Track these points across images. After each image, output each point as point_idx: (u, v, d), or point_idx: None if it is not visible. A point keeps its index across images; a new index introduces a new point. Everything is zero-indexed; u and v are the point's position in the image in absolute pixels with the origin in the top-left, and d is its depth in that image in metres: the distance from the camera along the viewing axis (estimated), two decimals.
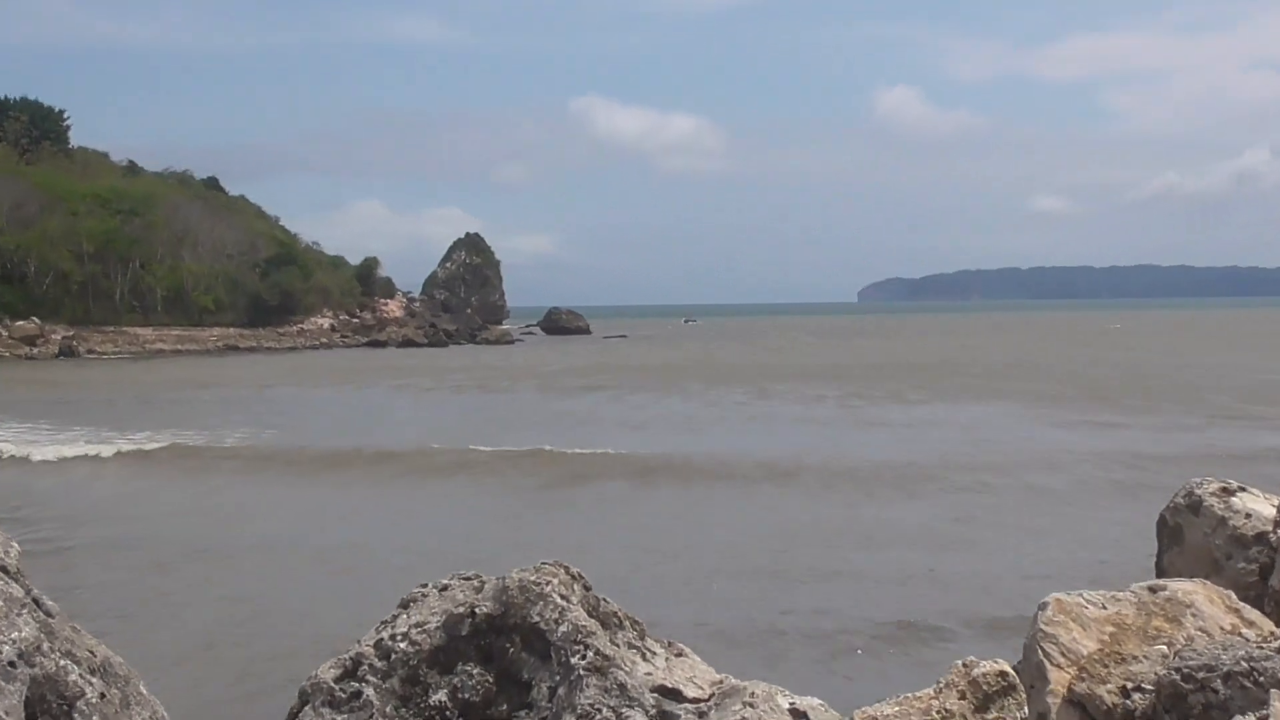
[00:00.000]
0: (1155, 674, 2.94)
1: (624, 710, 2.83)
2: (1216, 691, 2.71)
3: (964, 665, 2.94)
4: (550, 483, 17.45)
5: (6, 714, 2.17)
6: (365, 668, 3.11)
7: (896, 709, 2.87)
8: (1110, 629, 3.03)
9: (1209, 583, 3.30)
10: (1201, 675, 2.75)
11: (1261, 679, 2.68)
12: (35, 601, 2.52)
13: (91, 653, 2.56)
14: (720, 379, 40.63)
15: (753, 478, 17.93)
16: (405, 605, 3.26)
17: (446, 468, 19.10)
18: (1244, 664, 2.71)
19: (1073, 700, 2.93)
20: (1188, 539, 3.99)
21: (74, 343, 61.04)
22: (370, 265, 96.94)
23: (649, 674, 2.94)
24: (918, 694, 2.90)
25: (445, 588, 3.28)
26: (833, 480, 17.75)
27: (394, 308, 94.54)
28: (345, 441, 22.75)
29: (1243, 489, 4.04)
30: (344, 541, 13.50)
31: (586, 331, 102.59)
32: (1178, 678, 2.79)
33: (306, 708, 3.11)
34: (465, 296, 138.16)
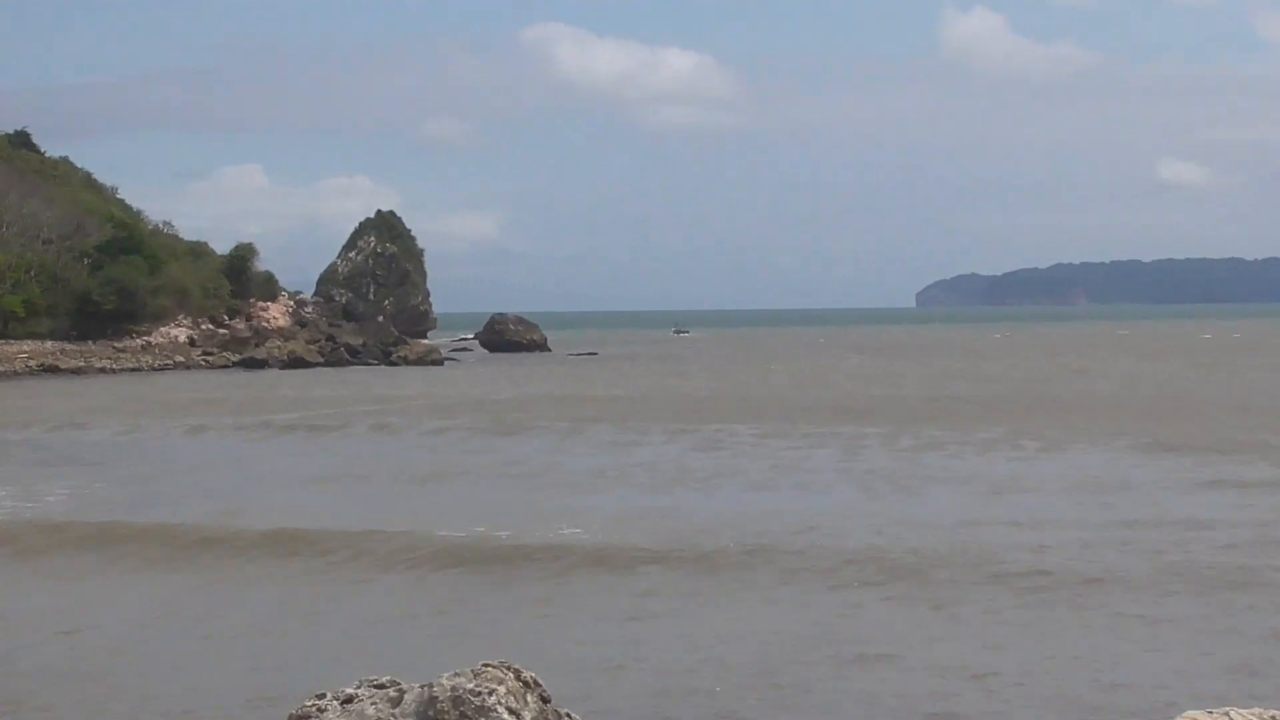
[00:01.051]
0: None
1: None
2: None
3: None
4: (491, 578, 17.77)
5: None
6: None
7: None
8: None
9: None
10: None
11: None
12: None
13: None
14: (716, 415, 42.07)
15: (778, 566, 18.02)
16: None
17: (344, 558, 19.17)
18: None
19: None
20: None
21: None
22: (244, 255, 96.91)
23: None
24: None
25: (350, 699, 3.13)
26: (873, 572, 17.44)
27: (277, 314, 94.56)
28: (202, 513, 23.16)
29: None
30: (198, 651, 13.74)
31: (543, 347, 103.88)
32: None
33: None
34: (376, 299, 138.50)
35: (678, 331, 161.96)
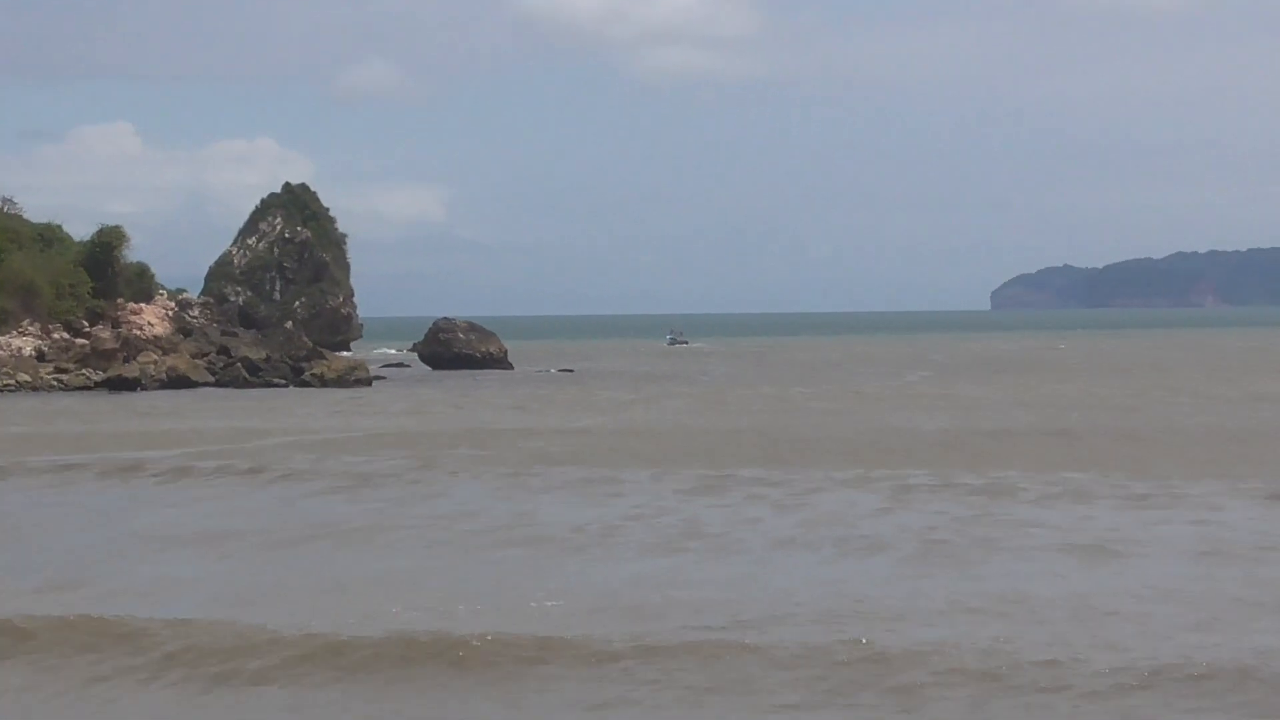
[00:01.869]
0: None
1: None
2: None
3: None
4: (418, 695, 17.38)
5: None
6: None
7: None
8: None
9: None
10: None
11: None
12: None
13: None
14: (728, 452, 43.15)
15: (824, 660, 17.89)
16: None
17: (200, 664, 18.69)
18: None
19: None
20: None
21: None
22: (110, 242, 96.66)
23: None
24: None
25: None
26: (950, 687, 16.84)
27: (154, 318, 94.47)
28: (11, 592, 22.93)
29: None
30: None
31: (503, 363, 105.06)
32: None
33: None
34: (284, 299, 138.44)
35: (674, 341, 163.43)
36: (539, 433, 51.93)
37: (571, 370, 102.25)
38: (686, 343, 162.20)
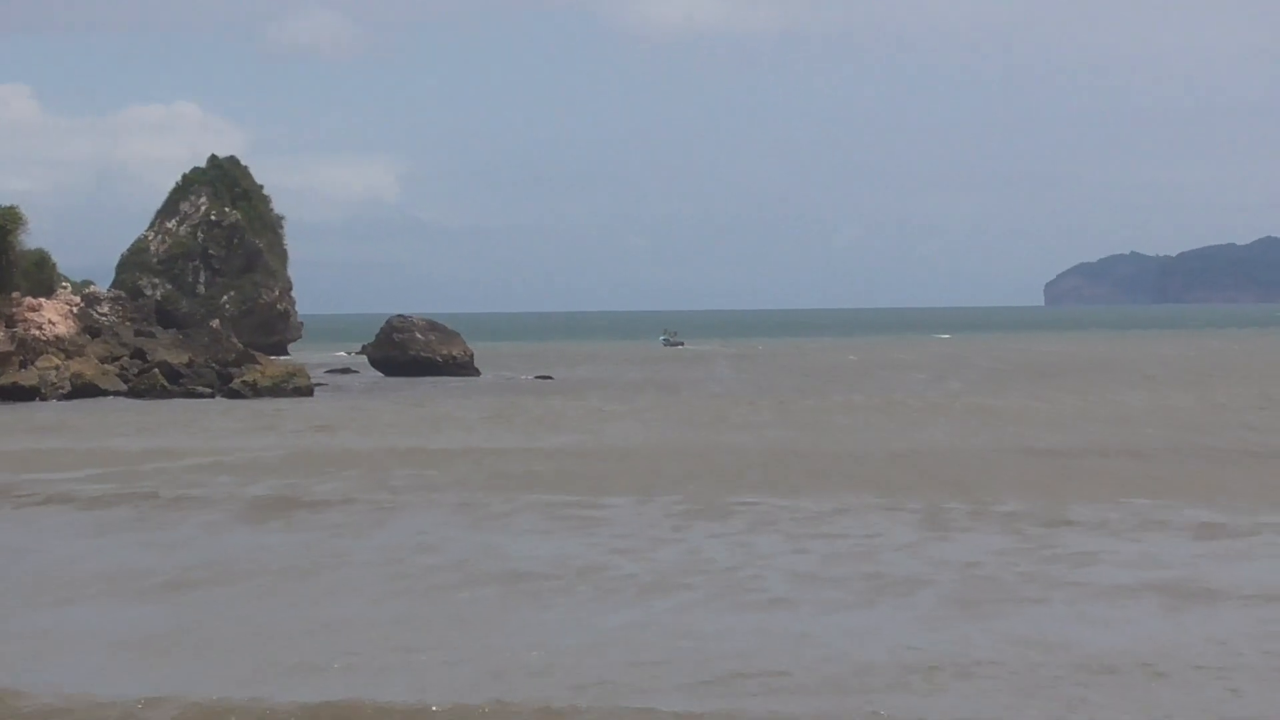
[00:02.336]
0: None
1: None
2: None
3: None
4: None
5: None
6: None
7: None
8: None
9: None
10: None
11: None
12: None
13: None
14: (735, 475, 43.55)
15: None
16: None
17: None
18: None
19: None
20: None
21: None
22: (3, 225, 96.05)
23: None
24: None
25: None
26: None
27: (55, 316, 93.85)
28: None
29: None
30: None
31: (468, 368, 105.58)
32: None
33: None
34: (209, 293, 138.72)
35: (669, 342, 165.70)
36: (510, 452, 51.92)
37: (550, 377, 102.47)
38: (682, 344, 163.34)
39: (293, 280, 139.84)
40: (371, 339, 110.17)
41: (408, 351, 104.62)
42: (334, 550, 31.78)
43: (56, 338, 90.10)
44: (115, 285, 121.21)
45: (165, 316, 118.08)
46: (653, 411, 70.85)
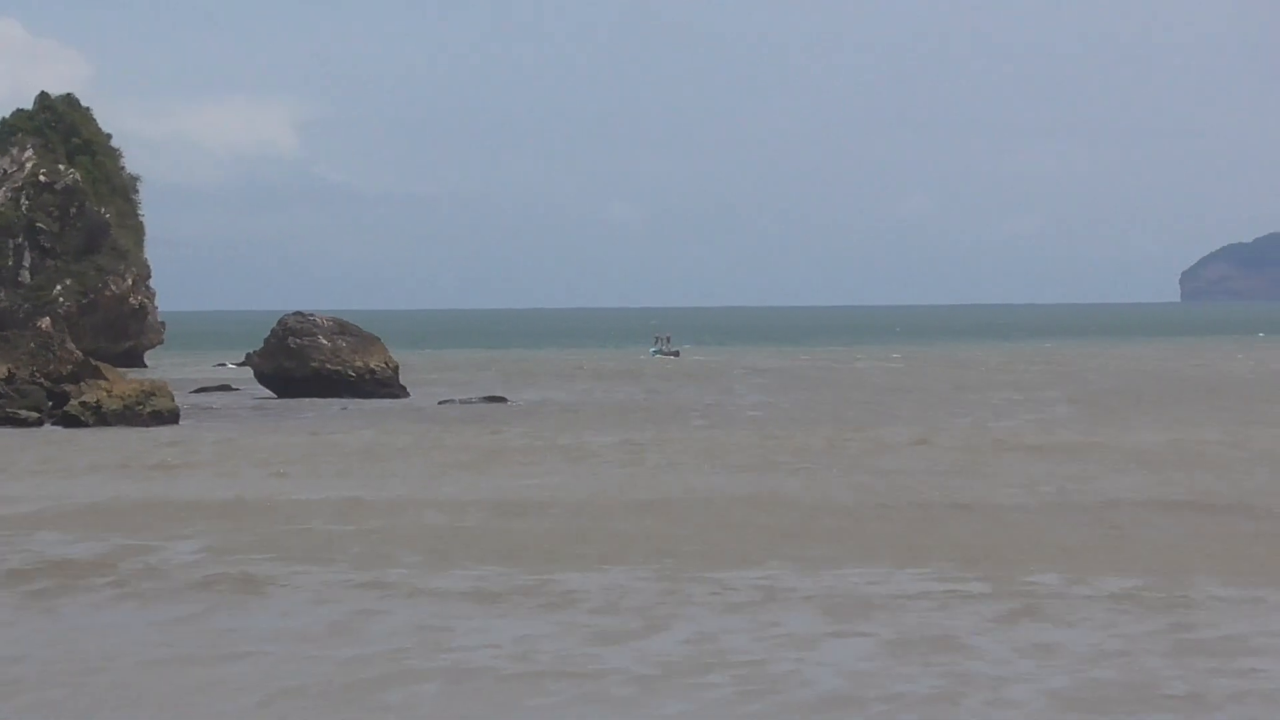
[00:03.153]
0: None
1: None
2: None
3: None
4: None
5: None
6: None
7: None
8: None
9: None
10: None
11: None
12: None
13: None
14: (761, 537, 44.56)
15: None
16: None
17: None
18: None
19: None
20: None
21: None
22: None
23: None
24: None
25: None
26: None
27: None
28: None
29: None
30: None
31: (391, 386, 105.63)
32: None
33: None
34: (36, 280, 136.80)
35: (662, 351, 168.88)
36: (448, 505, 52.19)
37: (503, 400, 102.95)
38: (677, 354, 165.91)
39: (151, 266, 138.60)
40: (259, 345, 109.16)
41: (308, 363, 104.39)
42: (202, 641, 31.84)
43: None
44: None
45: None
46: (643, 450, 70.84)
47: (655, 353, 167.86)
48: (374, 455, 68.18)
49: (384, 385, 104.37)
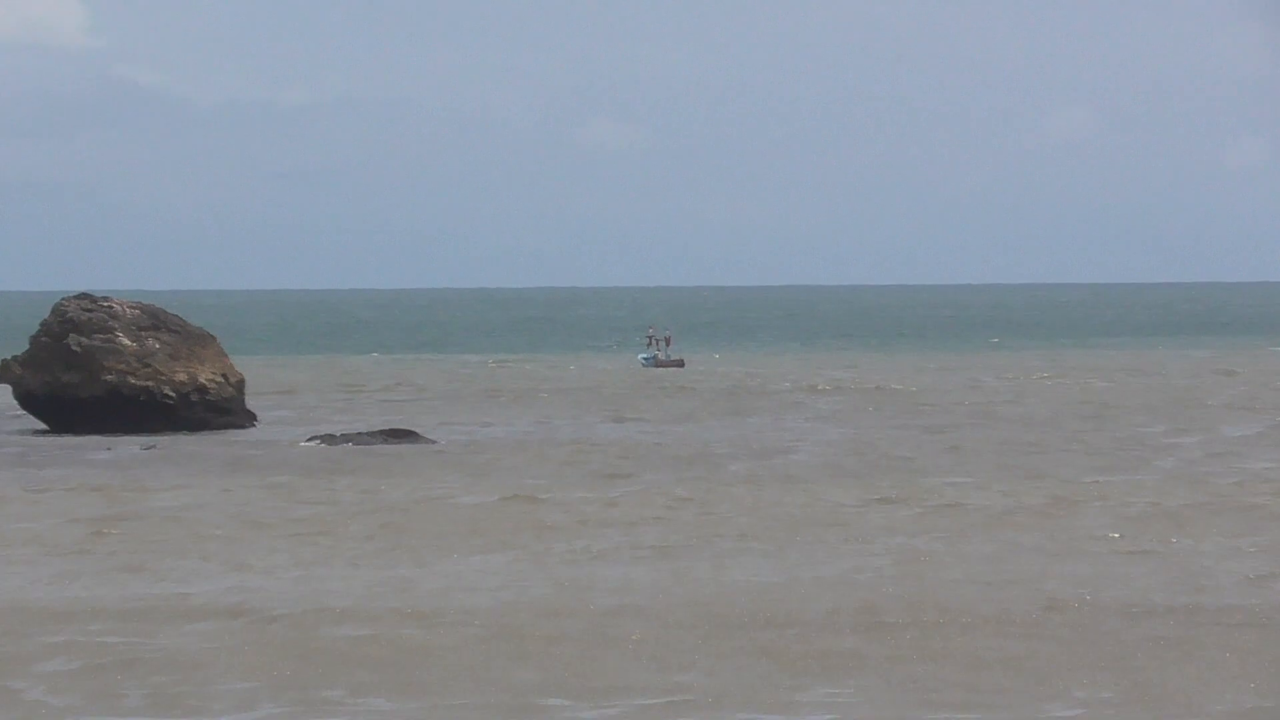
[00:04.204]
0: None
1: None
2: None
3: None
4: None
5: None
6: None
7: None
8: None
9: None
10: None
11: None
12: None
13: None
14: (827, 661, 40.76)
15: None
16: None
17: None
18: None
19: None
20: None
21: None
22: None
23: None
24: None
25: None
26: None
27: None
28: None
29: None
30: None
31: (228, 412, 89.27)
32: None
33: None
34: None
35: (656, 359, 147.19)
36: (323, 616, 44.55)
37: (413, 435, 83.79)
38: (682, 363, 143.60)
39: None
40: (23, 346, 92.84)
41: (100, 375, 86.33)
42: None
43: None
44: None
45: None
46: (636, 517, 60.51)
47: (648, 361, 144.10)
48: (194, 539, 56.63)
49: (220, 411, 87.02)
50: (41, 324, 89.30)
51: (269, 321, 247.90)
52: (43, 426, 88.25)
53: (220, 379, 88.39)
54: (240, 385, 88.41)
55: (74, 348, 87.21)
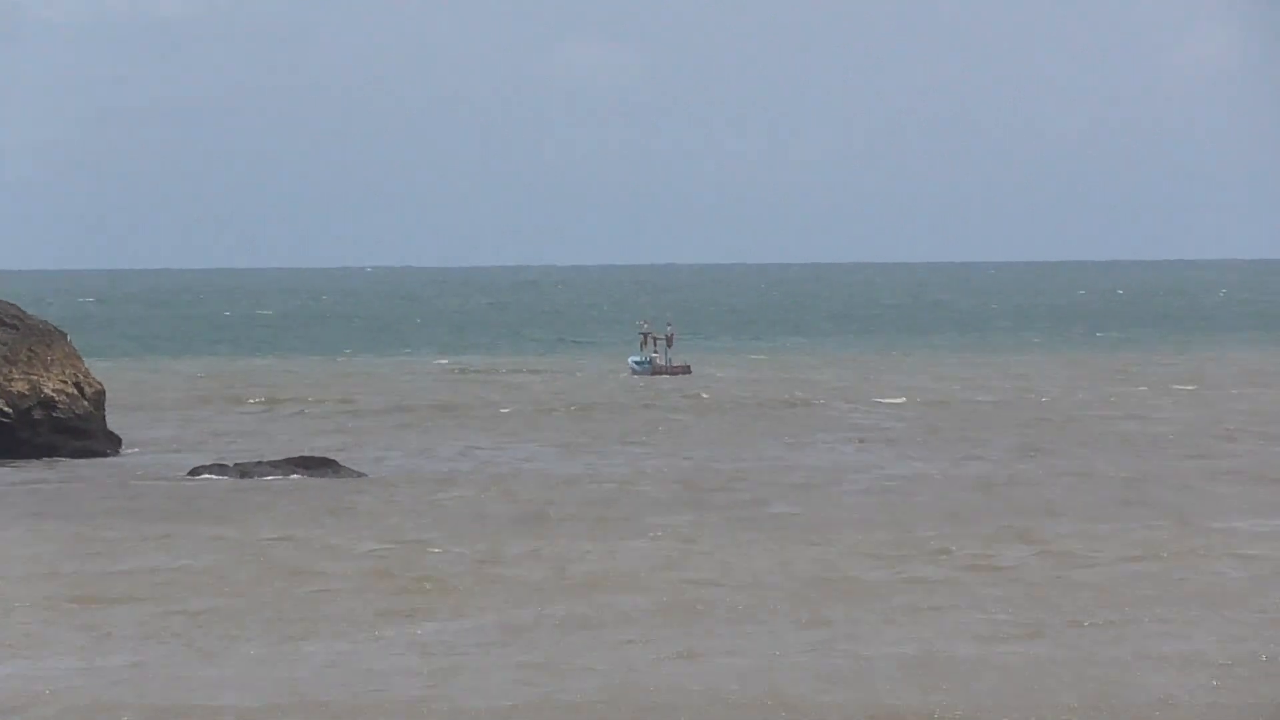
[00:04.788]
0: None
1: None
2: None
3: None
4: None
5: None
6: None
7: None
8: None
9: None
10: None
11: None
12: None
13: None
14: None
15: None
16: None
17: None
18: None
19: None
20: None
21: None
22: None
23: None
24: None
25: None
26: None
27: None
28: None
29: None
30: None
31: (83, 433, 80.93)
32: None
33: None
34: None
35: (652, 363, 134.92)
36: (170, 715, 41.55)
37: (332, 465, 73.56)
38: (689, 369, 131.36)
39: None
40: None
41: None
42: None
43: None
44: None
45: None
46: (635, 572, 54.52)
47: (642, 366, 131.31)
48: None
49: (72, 433, 77.57)
50: None
51: (138, 313, 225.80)
52: None
53: (72, 390, 76.53)
54: (99, 399, 76.38)
55: None
